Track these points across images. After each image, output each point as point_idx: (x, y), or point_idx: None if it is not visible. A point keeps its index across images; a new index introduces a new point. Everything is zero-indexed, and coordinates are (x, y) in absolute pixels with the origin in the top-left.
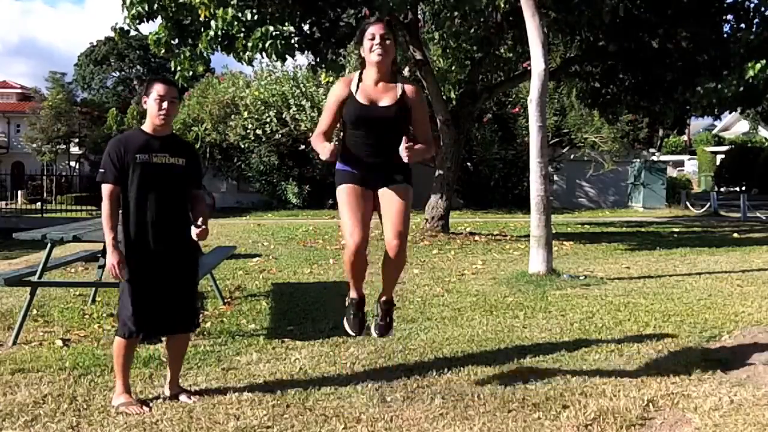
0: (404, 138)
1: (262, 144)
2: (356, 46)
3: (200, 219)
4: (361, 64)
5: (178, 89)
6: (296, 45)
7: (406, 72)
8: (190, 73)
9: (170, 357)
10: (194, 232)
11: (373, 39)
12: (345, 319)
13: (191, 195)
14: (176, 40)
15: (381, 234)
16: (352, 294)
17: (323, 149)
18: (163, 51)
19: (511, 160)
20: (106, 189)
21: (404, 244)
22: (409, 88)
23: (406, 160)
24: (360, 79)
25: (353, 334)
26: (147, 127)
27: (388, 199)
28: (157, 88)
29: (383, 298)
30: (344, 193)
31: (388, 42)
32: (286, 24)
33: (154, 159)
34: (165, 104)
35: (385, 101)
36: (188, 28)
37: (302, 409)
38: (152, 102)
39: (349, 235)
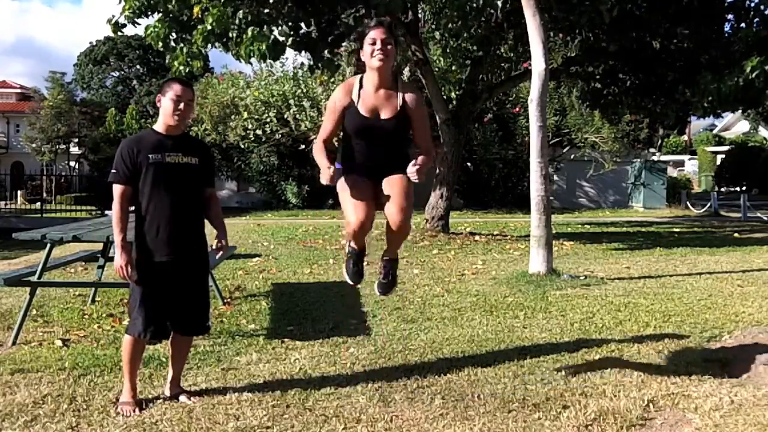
0: (411, 162)
1: (262, 144)
2: (355, 50)
3: (221, 239)
4: (361, 68)
5: (194, 92)
6: (290, 46)
7: (406, 71)
8: (187, 69)
9: (174, 356)
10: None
11: (374, 44)
12: (344, 268)
13: (206, 194)
14: (173, 36)
15: (380, 235)
16: (353, 245)
17: (323, 171)
18: (160, 45)
19: (511, 160)
20: (117, 189)
21: (408, 218)
22: (409, 97)
23: (415, 180)
24: (360, 85)
25: (351, 284)
26: (159, 126)
27: (390, 183)
28: (175, 89)
29: (386, 257)
30: (344, 180)
31: (389, 47)
32: (281, 25)
33: (167, 158)
34: (181, 105)
35: (386, 113)
36: (186, 24)
37: (302, 409)
38: (168, 101)
39: (352, 212)
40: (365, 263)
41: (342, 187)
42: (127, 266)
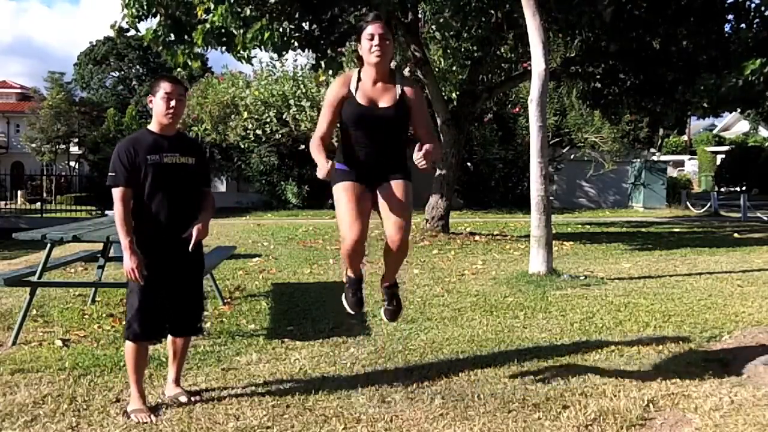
0: (416, 147)
1: (262, 144)
2: (356, 49)
3: (200, 222)
4: (360, 62)
5: (186, 87)
6: (294, 41)
7: (406, 72)
8: (186, 69)
9: (173, 356)
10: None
11: (371, 39)
12: (344, 298)
13: (201, 193)
14: (172, 36)
15: (381, 235)
16: (350, 273)
17: (321, 166)
18: (160, 47)
19: (511, 160)
20: (117, 192)
21: (407, 237)
22: (408, 89)
23: (422, 167)
24: (359, 78)
25: (353, 313)
26: (154, 126)
27: (388, 193)
28: (164, 86)
29: (386, 283)
30: (341, 189)
31: (387, 42)
32: (284, 22)
33: (165, 159)
34: (173, 102)
35: (384, 101)
36: (185, 26)
37: (302, 409)
38: (159, 100)
39: (347, 229)
40: (364, 289)
41: (339, 197)
42: (139, 268)
